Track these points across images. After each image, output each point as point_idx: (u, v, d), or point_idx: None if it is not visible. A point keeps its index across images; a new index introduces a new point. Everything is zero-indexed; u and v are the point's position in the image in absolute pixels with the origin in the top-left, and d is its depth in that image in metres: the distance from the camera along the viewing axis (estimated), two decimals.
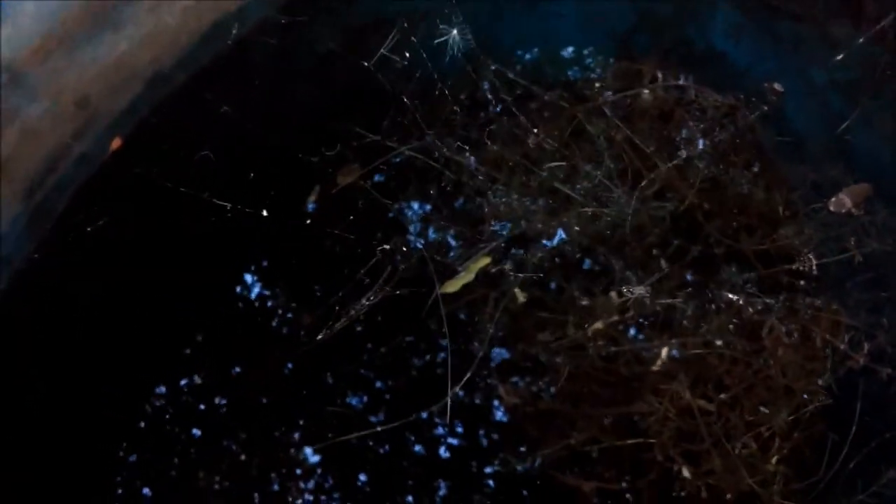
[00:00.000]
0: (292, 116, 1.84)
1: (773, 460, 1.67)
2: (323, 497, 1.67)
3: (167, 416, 1.73)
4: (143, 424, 1.73)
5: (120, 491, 1.68)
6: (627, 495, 1.68)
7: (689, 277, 1.78)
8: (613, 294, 1.72)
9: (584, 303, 1.75)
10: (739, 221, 1.87)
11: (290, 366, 1.76)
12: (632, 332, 1.73)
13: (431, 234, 1.79)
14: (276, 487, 1.67)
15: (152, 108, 1.63)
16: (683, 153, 1.91)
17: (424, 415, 1.66)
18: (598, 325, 1.72)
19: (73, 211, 1.60)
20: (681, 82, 1.99)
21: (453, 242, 1.78)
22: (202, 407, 1.74)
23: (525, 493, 1.68)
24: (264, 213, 1.73)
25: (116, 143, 1.61)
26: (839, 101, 2.01)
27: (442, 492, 1.67)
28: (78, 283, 1.65)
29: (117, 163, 1.61)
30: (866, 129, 1.99)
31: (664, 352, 1.70)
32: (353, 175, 1.83)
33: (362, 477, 1.67)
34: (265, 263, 1.82)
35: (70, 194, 1.59)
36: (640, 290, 1.66)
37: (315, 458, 1.68)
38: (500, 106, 1.95)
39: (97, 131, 1.57)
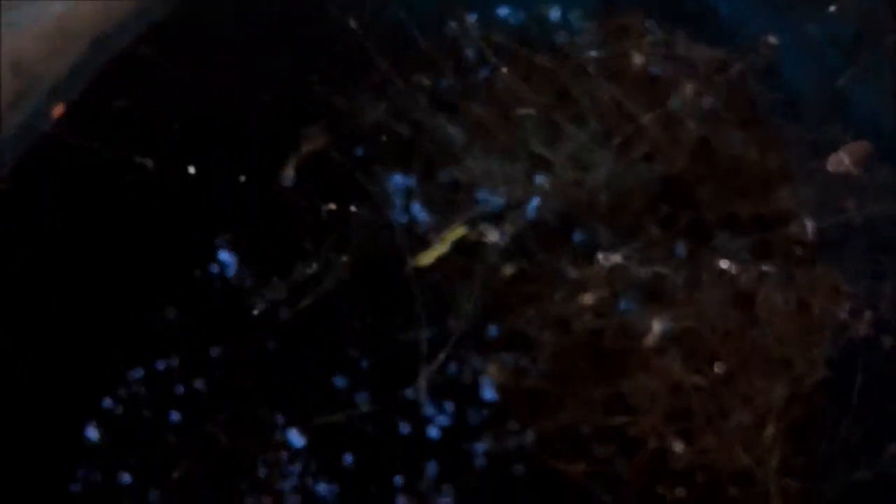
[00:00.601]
0: (252, 78, 1.74)
1: (770, 436, 1.59)
2: (309, 480, 1.60)
3: (144, 402, 1.65)
4: (120, 411, 1.64)
5: (99, 478, 1.60)
6: (619, 475, 1.60)
7: (679, 244, 1.69)
8: (599, 258, 1.63)
9: (570, 273, 1.65)
10: (732, 184, 1.77)
11: (262, 344, 1.67)
12: (621, 304, 1.64)
13: (405, 203, 1.69)
14: (260, 473, 1.61)
15: (96, 73, 1.51)
16: (673, 113, 1.82)
17: (402, 394, 1.59)
18: (585, 297, 1.63)
19: (15, 182, 1.50)
20: (670, 38, 1.89)
21: (428, 212, 1.68)
22: (179, 391, 1.66)
23: (513, 473, 1.60)
24: (222, 182, 1.63)
25: (59, 110, 1.50)
26: (836, 56, 1.93)
27: (426, 472, 1.61)
28: (30, 261, 1.57)
29: (61, 131, 1.51)
30: (864, 85, 1.92)
31: (655, 325, 1.61)
32: (319, 142, 1.72)
33: (348, 458, 1.60)
34: (228, 237, 1.72)
35: (11, 165, 1.48)
36: (616, 258, 1.57)
37: (300, 441, 1.61)
38: (479, 66, 1.84)
39: (37, 98, 1.45)
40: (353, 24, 1.78)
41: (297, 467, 1.61)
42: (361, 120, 1.72)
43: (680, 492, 1.58)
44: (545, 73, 1.83)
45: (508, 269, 1.67)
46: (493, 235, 1.65)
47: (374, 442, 1.61)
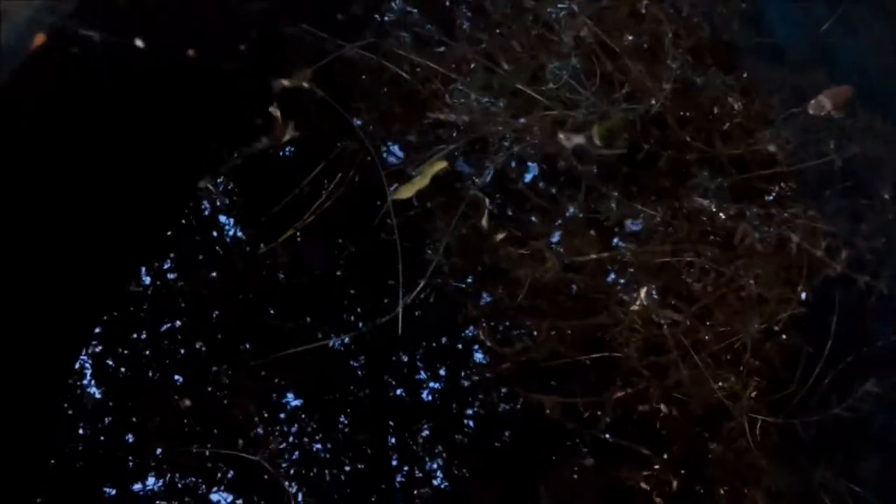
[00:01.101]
0: (237, 12, 1.72)
1: (744, 372, 1.60)
2: (306, 439, 1.61)
3: (146, 361, 1.66)
4: (122, 371, 1.66)
5: (101, 438, 1.61)
6: (593, 410, 1.61)
7: (659, 182, 1.69)
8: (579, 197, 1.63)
9: (548, 210, 1.65)
10: (714, 126, 1.77)
11: (242, 279, 1.67)
12: (597, 239, 1.64)
13: (384, 137, 1.68)
14: (259, 431, 1.61)
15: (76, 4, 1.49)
16: (656, 54, 1.81)
17: (375, 325, 1.58)
18: (562, 232, 1.63)
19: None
20: None
21: (408, 146, 1.67)
22: (178, 347, 1.67)
23: (486, 408, 1.61)
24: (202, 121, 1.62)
25: (40, 38, 1.48)
26: (821, 2, 1.91)
27: (401, 407, 1.61)
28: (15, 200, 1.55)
29: (42, 59, 1.49)
30: (849, 33, 1.91)
31: (630, 260, 1.61)
32: (303, 78, 1.71)
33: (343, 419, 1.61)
34: (217, 172, 1.72)
35: None
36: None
37: (297, 402, 1.61)
38: (462, 5, 1.83)
39: (14, 26, 1.43)
40: None
41: (293, 427, 1.62)
42: (343, 56, 1.71)
43: (654, 426, 1.59)
44: (529, 12, 1.82)
45: (487, 211, 1.67)
46: (473, 171, 1.65)
47: (367, 400, 1.62)
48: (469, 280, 1.64)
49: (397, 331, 1.51)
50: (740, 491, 1.61)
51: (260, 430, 1.61)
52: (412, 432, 1.62)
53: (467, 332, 1.63)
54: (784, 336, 1.63)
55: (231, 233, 1.72)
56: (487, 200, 1.66)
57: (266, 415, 1.61)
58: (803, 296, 1.63)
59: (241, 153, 1.71)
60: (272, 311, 1.67)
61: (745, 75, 1.84)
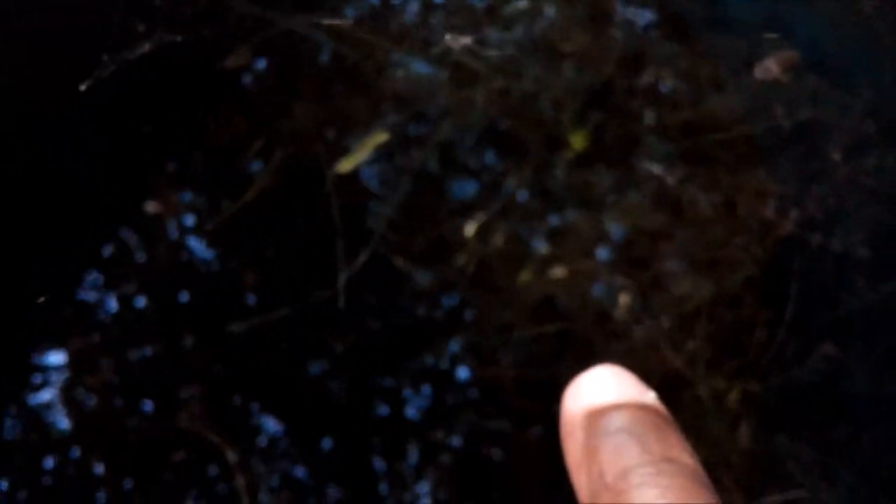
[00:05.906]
0: None
1: (699, 337, 1.57)
2: (286, 463, 1.54)
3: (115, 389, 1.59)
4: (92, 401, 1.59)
5: (71, 470, 1.54)
6: (551, 381, 1.57)
7: (607, 152, 1.67)
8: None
9: (492, 181, 1.63)
10: (662, 94, 1.75)
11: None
12: (548, 209, 1.62)
13: (324, 112, 1.65)
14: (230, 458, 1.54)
15: None
16: (601, 24, 1.79)
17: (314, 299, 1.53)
18: (508, 203, 1.60)
19: None
20: None
21: (348, 120, 1.64)
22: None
23: (435, 383, 1.57)
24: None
25: None
26: None
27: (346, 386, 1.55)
28: None
29: None
30: (802, 2, 1.91)
31: (578, 229, 1.59)
32: (243, 57, 1.68)
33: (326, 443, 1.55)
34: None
35: None
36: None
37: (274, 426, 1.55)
38: None
39: None
40: None
41: (272, 451, 1.54)
42: (281, 32, 1.68)
43: None
44: None
45: (432, 183, 1.64)
46: (415, 143, 1.62)
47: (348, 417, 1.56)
48: (417, 252, 1.60)
49: (338, 304, 1.48)
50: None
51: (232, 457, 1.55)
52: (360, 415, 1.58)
53: (415, 304, 1.59)
54: (738, 298, 1.60)
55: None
56: (432, 172, 1.63)
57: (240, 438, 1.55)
58: (755, 257, 1.60)
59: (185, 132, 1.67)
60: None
61: (693, 45, 1.83)
